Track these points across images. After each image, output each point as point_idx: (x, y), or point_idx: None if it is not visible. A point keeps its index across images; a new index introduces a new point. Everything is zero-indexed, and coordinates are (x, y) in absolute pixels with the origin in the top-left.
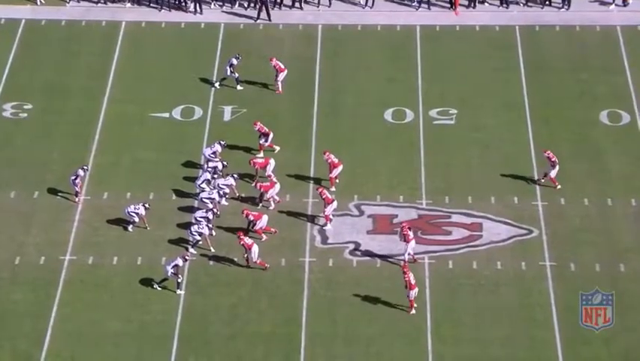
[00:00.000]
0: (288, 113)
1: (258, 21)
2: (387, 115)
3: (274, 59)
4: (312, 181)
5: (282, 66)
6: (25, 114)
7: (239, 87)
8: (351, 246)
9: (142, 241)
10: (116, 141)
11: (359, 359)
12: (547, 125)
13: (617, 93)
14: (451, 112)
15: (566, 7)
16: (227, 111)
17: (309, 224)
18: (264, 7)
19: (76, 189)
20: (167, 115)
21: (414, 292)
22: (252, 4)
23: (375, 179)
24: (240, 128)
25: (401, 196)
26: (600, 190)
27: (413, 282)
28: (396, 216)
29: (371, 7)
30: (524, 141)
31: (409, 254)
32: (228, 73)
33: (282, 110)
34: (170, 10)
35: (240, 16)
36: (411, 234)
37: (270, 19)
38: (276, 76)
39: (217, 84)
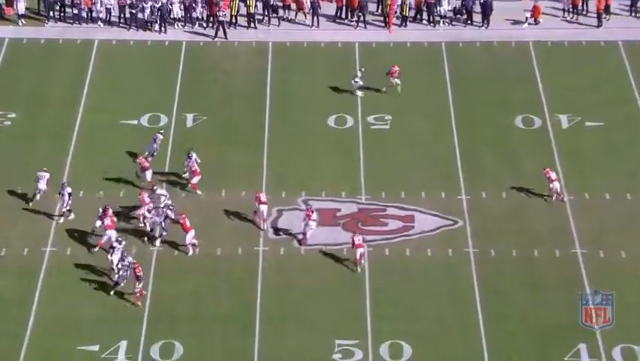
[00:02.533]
0: (244, 119)
1: (216, 39)
2: (331, 121)
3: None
4: (264, 180)
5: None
6: (9, 122)
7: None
8: (300, 236)
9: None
10: (90, 145)
11: (307, 336)
12: (470, 129)
13: (529, 101)
14: (386, 118)
15: (485, 25)
16: (190, 118)
17: (264, 216)
18: (221, 27)
19: (67, 205)
20: (135, 122)
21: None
22: (211, 24)
23: (320, 177)
24: (200, 133)
25: (343, 192)
26: (516, 185)
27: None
28: (340, 210)
29: (317, 27)
30: (450, 143)
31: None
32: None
33: (237, 116)
34: (137, 30)
35: (200, 34)
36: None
37: (226, 38)
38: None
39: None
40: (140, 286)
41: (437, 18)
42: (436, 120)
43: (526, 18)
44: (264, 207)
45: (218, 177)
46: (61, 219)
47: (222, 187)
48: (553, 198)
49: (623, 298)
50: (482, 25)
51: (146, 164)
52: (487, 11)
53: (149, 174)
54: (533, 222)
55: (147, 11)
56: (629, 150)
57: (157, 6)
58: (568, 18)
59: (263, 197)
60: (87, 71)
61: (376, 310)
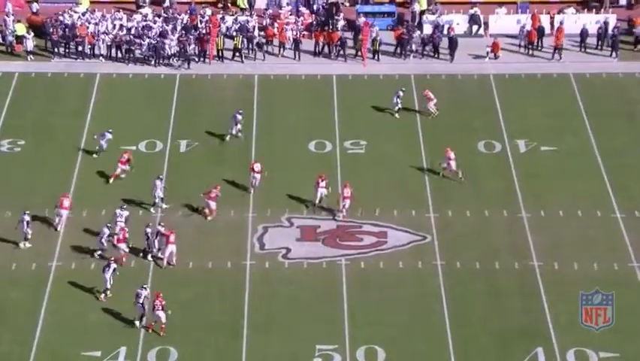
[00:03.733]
0: (232, 145)
1: (207, 72)
2: (311, 146)
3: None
4: (252, 199)
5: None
6: (19, 148)
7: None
8: (284, 251)
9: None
10: (93, 168)
11: (290, 341)
12: (437, 153)
13: (490, 127)
14: (361, 143)
15: (450, 59)
16: (183, 144)
17: (249, 234)
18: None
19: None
20: (134, 147)
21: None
22: (202, 60)
23: (302, 197)
24: (193, 157)
25: (323, 211)
26: (479, 204)
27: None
28: (319, 226)
29: (299, 60)
30: (419, 166)
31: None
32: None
33: (227, 143)
34: (135, 64)
35: (193, 68)
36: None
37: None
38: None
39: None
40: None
41: (408, 52)
42: (407, 145)
43: (487, 53)
44: (257, 176)
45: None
46: (23, 244)
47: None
48: (451, 174)
49: (575, 304)
50: (449, 58)
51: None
52: (453, 46)
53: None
54: (494, 238)
55: (144, 47)
56: (580, 172)
57: (153, 43)
58: (524, 52)
59: (257, 167)
60: (90, 102)
61: (353, 318)
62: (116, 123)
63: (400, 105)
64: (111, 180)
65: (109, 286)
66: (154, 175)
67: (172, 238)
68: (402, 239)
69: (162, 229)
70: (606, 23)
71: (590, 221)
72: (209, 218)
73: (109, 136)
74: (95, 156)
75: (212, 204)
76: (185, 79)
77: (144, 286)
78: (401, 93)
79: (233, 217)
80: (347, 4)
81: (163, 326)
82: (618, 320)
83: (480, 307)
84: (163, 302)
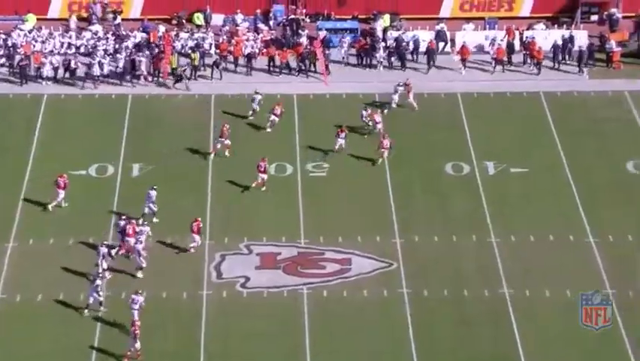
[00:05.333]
0: (188, 168)
1: (161, 92)
2: (271, 169)
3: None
4: (208, 226)
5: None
6: None
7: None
8: (242, 280)
9: (64, 278)
10: (41, 194)
11: None
12: (403, 175)
13: (458, 148)
14: (324, 166)
15: (427, 69)
16: (136, 168)
17: (206, 262)
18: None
19: None
20: (84, 172)
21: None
22: (156, 79)
23: (262, 223)
24: (146, 182)
25: (283, 237)
26: (447, 229)
27: None
28: (280, 253)
29: (250, 75)
30: (384, 189)
31: None
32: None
33: (182, 166)
34: (84, 83)
35: (145, 87)
36: None
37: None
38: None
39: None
40: (137, 346)
41: (375, 63)
42: (371, 167)
43: (458, 61)
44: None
45: (165, 223)
46: None
47: (169, 233)
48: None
49: (547, 333)
50: (429, 68)
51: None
52: (431, 56)
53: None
54: (463, 264)
55: (95, 67)
56: (551, 194)
57: (104, 62)
58: (493, 70)
59: (262, 166)
60: (37, 124)
61: (316, 350)
62: (64, 146)
63: (396, 101)
64: (51, 206)
65: (91, 302)
66: (105, 201)
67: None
68: (366, 266)
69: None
70: (572, 37)
71: (562, 246)
72: (192, 250)
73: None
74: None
75: (197, 238)
76: (137, 99)
77: (139, 291)
78: (400, 89)
79: (188, 245)
80: (308, 20)
81: (138, 353)
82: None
83: (449, 336)
84: (137, 331)
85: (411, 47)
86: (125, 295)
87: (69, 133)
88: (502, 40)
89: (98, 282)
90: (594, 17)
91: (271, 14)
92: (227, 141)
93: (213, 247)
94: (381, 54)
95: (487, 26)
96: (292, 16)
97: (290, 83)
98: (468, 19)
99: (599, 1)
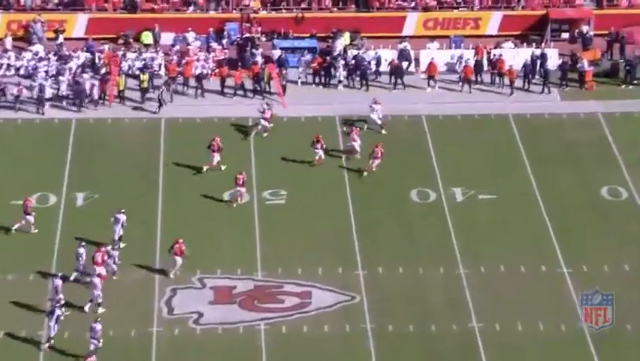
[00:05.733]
0: (136, 197)
1: (107, 115)
2: (226, 196)
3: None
4: (157, 258)
5: None
6: None
7: None
8: (195, 316)
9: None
10: None
11: None
12: (366, 202)
13: (424, 174)
14: (281, 193)
15: (401, 87)
16: (80, 197)
17: (156, 297)
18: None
19: None
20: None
21: None
22: (102, 102)
23: (216, 254)
24: (91, 212)
25: (239, 269)
26: (412, 260)
27: None
28: (235, 287)
29: (202, 97)
30: (346, 217)
31: None
32: None
33: (130, 194)
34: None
35: (90, 111)
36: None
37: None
38: None
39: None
40: None
41: (334, 82)
42: (332, 194)
43: (428, 82)
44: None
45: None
46: None
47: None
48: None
49: None
50: (395, 88)
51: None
52: (399, 75)
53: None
54: (430, 297)
55: (35, 90)
56: (522, 222)
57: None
58: (459, 90)
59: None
60: None
61: None
62: (2, 175)
63: (379, 118)
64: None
65: (52, 335)
66: (47, 232)
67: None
68: (328, 300)
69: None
70: (543, 55)
71: (535, 277)
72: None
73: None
74: None
75: (179, 260)
76: (81, 123)
77: (98, 319)
78: (376, 107)
79: (137, 278)
80: (263, 39)
81: None
82: None
83: None
84: None
85: (373, 66)
86: (75, 331)
87: (8, 160)
88: (468, 59)
89: (58, 312)
90: (565, 35)
91: (225, 33)
92: (217, 156)
93: (164, 281)
94: (341, 73)
95: (453, 45)
96: (247, 35)
97: (245, 106)
98: (432, 38)
99: (569, 18)
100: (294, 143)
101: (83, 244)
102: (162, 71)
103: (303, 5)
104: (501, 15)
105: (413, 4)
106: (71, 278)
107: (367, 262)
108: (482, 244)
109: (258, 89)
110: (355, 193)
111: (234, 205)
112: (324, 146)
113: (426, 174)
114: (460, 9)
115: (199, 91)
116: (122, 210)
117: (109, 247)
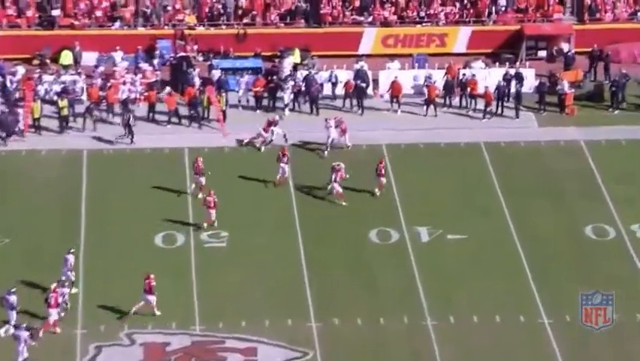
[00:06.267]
0: (54, 240)
1: (21, 147)
2: (158, 239)
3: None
4: (80, 310)
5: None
6: None
7: None
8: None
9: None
10: None
11: None
12: (319, 244)
13: (384, 211)
14: (222, 235)
15: (360, 112)
16: None
17: (78, 356)
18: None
19: None
20: None
21: None
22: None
23: (145, 305)
24: (1, 259)
25: (174, 323)
26: (372, 309)
27: None
28: (169, 343)
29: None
30: (296, 262)
31: None
32: None
33: (46, 237)
34: None
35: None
36: None
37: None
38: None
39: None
40: None
41: (281, 105)
42: (280, 235)
43: (387, 100)
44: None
45: (24, 309)
46: None
47: (26, 321)
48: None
49: None
50: (358, 111)
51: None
52: (360, 99)
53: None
54: (393, 352)
55: None
56: (497, 266)
57: None
58: (423, 115)
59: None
60: None
61: None
62: None
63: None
64: None
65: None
66: None
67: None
68: (275, 356)
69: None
70: (519, 76)
71: (512, 328)
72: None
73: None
74: None
75: (151, 298)
76: None
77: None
78: (331, 124)
79: (56, 334)
80: (201, 59)
81: None
82: None
83: None
84: None
85: (328, 88)
86: None
87: None
88: (434, 81)
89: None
90: (542, 53)
91: (156, 52)
92: (202, 179)
93: (86, 337)
94: (287, 96)
95: (416, 64)
96: (181, 54)
97: (180, 135)
98: (392, 56)
99: (546, 35)
100: (235, 177)
101: (72, 250)
102: (84, 96)
103: (245, 20)
104: (470, 31)
105: (370, 19)
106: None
107: (321, 313)
108: (452, 291)
109: (195, 115)
110: (307, 233)
111: (205, 226)
112: (289, 160)
113: (387, 212)
114: (424, 24)
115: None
116: (71, 250)
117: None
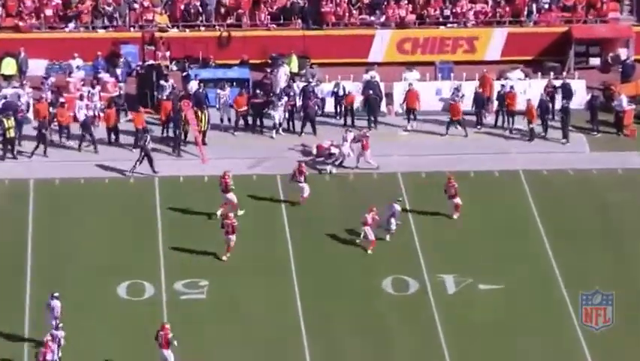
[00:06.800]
0: None
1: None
2: (122, 289)
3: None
4: None
5: None
6: None
7: None
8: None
9: None
10: None
11: None
12: (320, 295)
13: (401, 255)
14: (201, 284)
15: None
16: None
17: None
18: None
19: None
20: None
21: None
22: None
23: None
24: None
25: None
26: None
27: None
28: None
29: (96, 152)
30: (292, 317)
31: None
32: None
33: None
34: None
35: None
36: None
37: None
38: None
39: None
40: None
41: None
42: (272, 283)
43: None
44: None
45: None
46: None
47: None
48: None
49: None
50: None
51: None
52: (374, 110)
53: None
54: None
55: None
56: (540, 323)
57: None
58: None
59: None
60: None
61: None
62: None
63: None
64: None
65: None
66: None
67: None
68: None
69: None
70: (567, 90)
71: None
72: None
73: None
74: None
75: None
76: None
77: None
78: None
79: None
80: (174, 68)
81: None
82: None
83: None
84: None
85: (330, 104)
86: None
87: None
88: (461, 94)
89: None
90: (594, 61)
91: (119, 59)
92: (232, 196)
93: None
94: (280, 115)
95: (439, 74)
96: (151, 62)
97: (143, 164)
98: (410, 65)
99: (600, 38)
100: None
101: (56, 295)
102: (30, 114)
103: (229, 21)
104: (505, 33)
105: (383, 19)
106: None
107: None
108: (484, 354)
109: (167, 135)
110: (305, 280)
111: (224, 258)
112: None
113: (404, 255)
114: (449, 25)
115: (85, 142)
116: (55, 295)
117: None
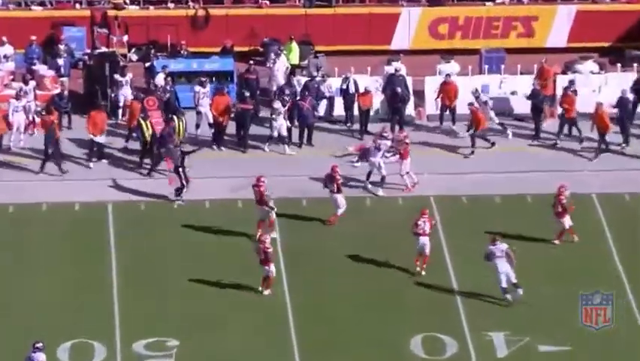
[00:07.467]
0: None
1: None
2: (62, 353)
3: None
4: None
5: None
6: None
7: None
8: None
9: None
10: None
11: None
12: (329, 353)
13: (435, 308)
14: (169, 344)
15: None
16: None
17: None
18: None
19: None
20: None
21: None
22: None
23: None
24: None
25: None
26: None
27: None
28: None
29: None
30: None
31: None
32: None
33: None
34: None
35: None
36: None
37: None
38: None
39: None
40: None
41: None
42: (263, 340)
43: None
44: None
45: None
46: None
47: None
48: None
49: None
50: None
51: None
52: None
53: None
54: None
55: None
56: None
57: None
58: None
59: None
60: None
61: None
62: None
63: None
64: None
65: None
66: None
67: None
68: None
69: None
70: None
71: None
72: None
73: None
74: None
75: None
76: None
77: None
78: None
79: None
80: (135, 58)
81: None
82: None
83: None
84: None
85: (339, 104)
86: None
87: None
88: (483, 99)
89: None
90: None
91: (61, 46)
92: (273, 215)
93: None
94: (280, 123)
95: (486, 66)
96: (103, 49)
97: (99, 181)
98: (446, 53)
99: None
100: (190, 244)
101: (39, 345)
102: None
103: None
104: (573, 12)
105: None
106: None
107: None
108: None
109: (129, 147)
110: (306, 337)
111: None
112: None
113: (439, 308)
114: (498, 1)
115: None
116: (38, 346)
117: None
